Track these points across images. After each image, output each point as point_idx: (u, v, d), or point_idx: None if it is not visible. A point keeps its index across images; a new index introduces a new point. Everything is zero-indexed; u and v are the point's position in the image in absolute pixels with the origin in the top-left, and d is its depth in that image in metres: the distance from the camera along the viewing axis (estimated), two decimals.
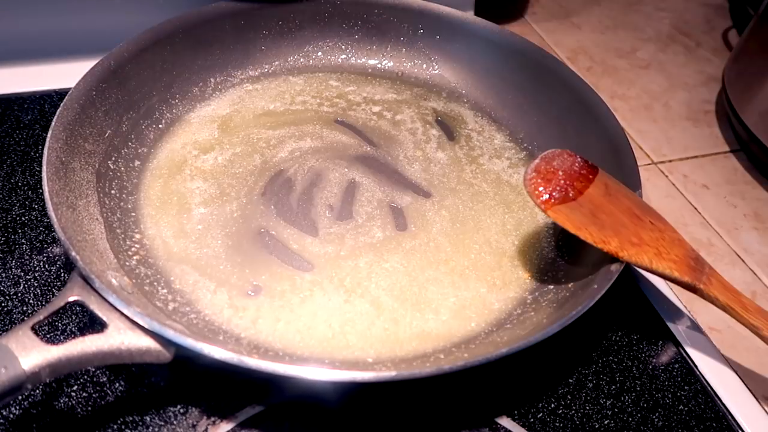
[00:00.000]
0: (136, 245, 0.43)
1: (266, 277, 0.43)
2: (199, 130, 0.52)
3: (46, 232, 0.46)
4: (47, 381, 0.33)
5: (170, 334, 0.33)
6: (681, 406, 0.42)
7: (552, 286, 0.44)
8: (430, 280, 0.44)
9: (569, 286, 0.42)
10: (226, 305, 0.41)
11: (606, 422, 0.40)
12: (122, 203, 0.45)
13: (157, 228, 0.45)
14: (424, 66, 0.60)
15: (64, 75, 0.56)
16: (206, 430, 0.37)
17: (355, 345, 0.40)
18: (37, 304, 0.42)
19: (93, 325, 0.34)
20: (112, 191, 0.45)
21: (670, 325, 0.46)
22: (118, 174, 0.46)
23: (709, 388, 0.43)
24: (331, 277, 0.43)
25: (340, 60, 0.60)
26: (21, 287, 0.43)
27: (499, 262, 0.46)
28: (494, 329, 0.42)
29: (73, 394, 0.38)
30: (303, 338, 0.40)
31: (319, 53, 0.60)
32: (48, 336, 0.40)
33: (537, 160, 0.41)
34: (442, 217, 0.48)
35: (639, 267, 0.40)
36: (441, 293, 0.43)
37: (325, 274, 0.43)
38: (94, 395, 0.38)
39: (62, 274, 0.44)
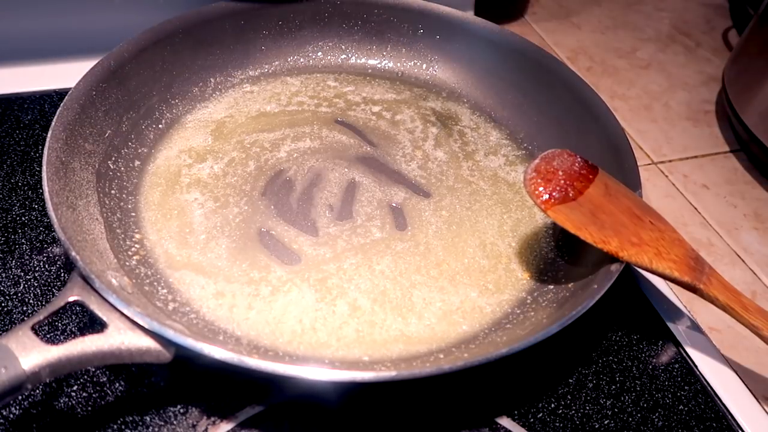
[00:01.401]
0: (136, 245, 0.43)
1: (248, 267, 0.43)
2: (194, 136, 0.51)
3: (46, 232, 0.46)
4: (47, 381, 0.33)
5: (170, 334, 0.33)
6: (681, 406, 0.42)
7: (552, 286, 0.43)
8: (416, 284, 0.44)
9: (569, 286, 0.42)
10: (211, 295, 0.41)
11: (606, 422, 0.40)
12: (122, 203, 0.45)
13: (159, 237, 0.44)
14: (424, 66, 0.60)
15: (64, 75, 0.56)
16: (206, 430, 0.37)
17: (326, 343, 0.40)
18: (37, 304, 0.42)
19: (93, 325, 0.34)
20: (112, 191, 0.45)
21: (670, 325, 0.46)
22: (118, 174, 0.46)
23: (709, 388, 0.43)
24: (308, 276, 0.43)
25: (340, 60, 0.60)
26: (21, 287, 0.43)
27: (495, 266, 0.45)
28: (493, 330, 0.42)
29: (73, 394, 0.38)
30: (273, 330, 0.40)
31: (319, 53, 0.60)
32: (48, 336, 0.40)
33: (537, 160, 0.41)
34: (440, 217, 0.48)
35: (639, 267, 0.40)
36: (426, 298, 0.43)
37: (306, 272, 0.43)
38: (94, 395, 0.38)
39: (62, 274, 0.44)
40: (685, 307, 0.48)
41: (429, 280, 0.44)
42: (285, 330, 0.40)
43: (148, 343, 0.34)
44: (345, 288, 0.43)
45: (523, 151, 0.54)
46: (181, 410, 0.38)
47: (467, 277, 0.44)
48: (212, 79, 0.56)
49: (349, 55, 0.61)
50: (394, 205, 0.49)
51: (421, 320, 0.42)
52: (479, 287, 0.44)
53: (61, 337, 0.40)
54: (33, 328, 0.32)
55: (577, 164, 0.42)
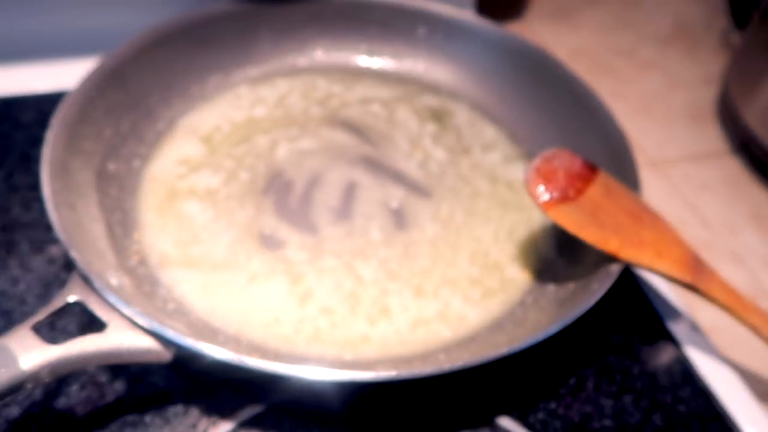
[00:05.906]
0: (136, 245, 0.43)
1: (236, 258, 0.44)
2: (188, 145, 0.51)
3: (46, 232, 0.46)
4: (47, 381, 0.33)
5: (170, 334, 0.33)
6: (681, 406, 0.42)
7: (552, 287, 0.43)
8: (392, 292, 0.43)
9: (569, 286, 0.42)
10: (199, 288, 0.42)
11: (606, 422, 0.40)
12: (122, 203, 0.45)
13: (159, 238, 0.44)
14: (423, 65, 0.60)
15: (64, 75, 0.56)
16: (206, 430, 0.37)
17: (288, 337, 0.40)
18: (37, 304, 0.42)
19: (93, 325, 0.34)
20: (112, 191, 0.45)
21: (670, 325, 0.46)
22: (118, 174, 0.46)
23: (709, 388, 0.43)
24: (286, 270, 0.43)
25: (339, 59, 0.60)
26: (21, 287, 0.43)
27: (492, 269, 0.45)
28: (493, 330, 0.42)
29: (73, 394, 0.38)
30: (245, 319, 0.41)
31: (319, 52, 0.60)
32: (48, 336, 0.40)
33: (537, 160, 0.41)
34: (439, 218, 0.48)
35: (639, 267, 0.40)
36: (402, 304, 0.43)
37: (287, 267, 0.44)
38: (94, 395, 0.38)
39: (62, 274, 0.44)
40: (685, 307, 0.48)
41: (412, 284, 0.44)
42: (254, 320, 0.41)
43: (148, 343, 0.34)
44: (318, 287, 0.43)
45: (521, 149, 0.54)
46: (181, 410, 0.38)
47: (458, 283, 0.44)
48: (212, 79, 0.56)
49: (349, 55, 0.61)
50: (393, 205, 0.49)
51: (391, 324, 0.42)
52: (473, 292, 0.44)
53: (61, 337, 0.40)
54: (33, 328, 0.32)
55: (577, 164, 0.42)
